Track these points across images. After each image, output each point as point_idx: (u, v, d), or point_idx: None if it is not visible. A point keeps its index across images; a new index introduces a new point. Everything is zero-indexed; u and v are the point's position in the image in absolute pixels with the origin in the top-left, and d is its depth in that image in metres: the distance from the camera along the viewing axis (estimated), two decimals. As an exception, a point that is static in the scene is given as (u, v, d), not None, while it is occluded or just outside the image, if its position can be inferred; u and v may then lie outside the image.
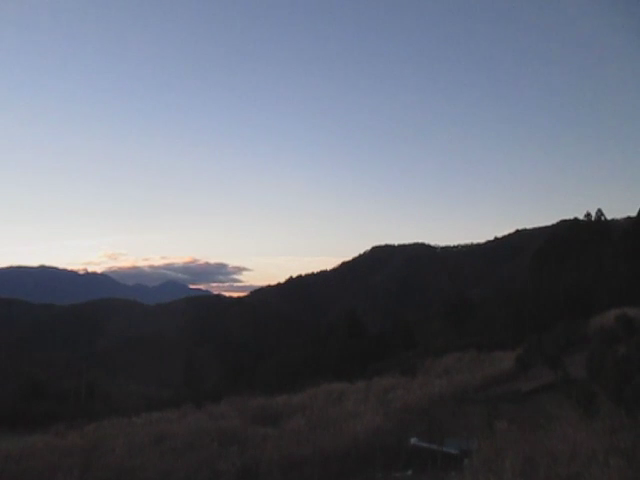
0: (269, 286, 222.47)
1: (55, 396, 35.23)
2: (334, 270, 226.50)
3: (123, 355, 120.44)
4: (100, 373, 68.67)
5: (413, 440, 9.58)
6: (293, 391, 18.72)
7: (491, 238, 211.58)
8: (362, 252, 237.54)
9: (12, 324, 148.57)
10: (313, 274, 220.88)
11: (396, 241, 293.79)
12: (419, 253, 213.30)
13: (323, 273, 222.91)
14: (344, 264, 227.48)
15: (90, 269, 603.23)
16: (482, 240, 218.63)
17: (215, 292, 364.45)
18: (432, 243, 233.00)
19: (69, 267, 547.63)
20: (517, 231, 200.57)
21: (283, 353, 55.21)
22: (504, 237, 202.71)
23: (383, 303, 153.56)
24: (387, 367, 27.52)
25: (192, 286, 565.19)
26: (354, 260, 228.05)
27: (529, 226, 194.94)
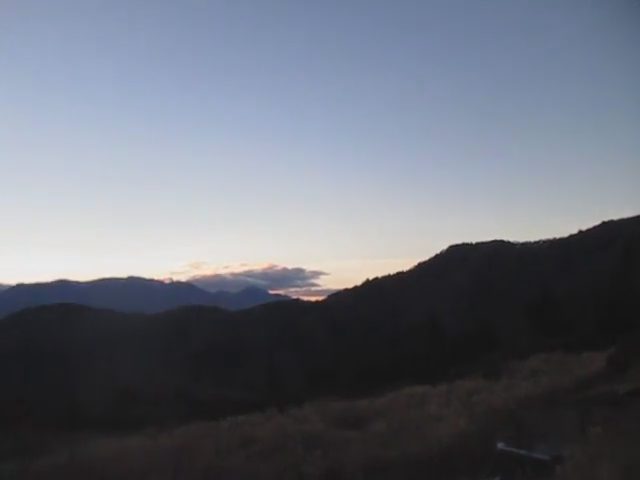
0: (346, 289, 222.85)
1: (146, 400, 37.03)
2: (411, 271, 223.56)
3: (209, 360, 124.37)
4: (187, 378, 71.45)
5: (500, 445, 9.23)
6: (374, 395, 18.61)
7: (575, 231, 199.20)
8: (438, 252, 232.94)
9: (105, 333, 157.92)
10: (389, 276, 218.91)
11: (473, 239, 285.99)
12: (498, 250, 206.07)
13: (400, 274, 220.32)
14: (421, 265, 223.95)
15: (175, 278, 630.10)
16: (565, 234, 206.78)
17: (294, 297, 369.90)
18: (511, 239, 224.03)
19: (156, 277, 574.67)
20: (603, 223, 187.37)
21: (362, 356, 55.07)
22: (589, 230, 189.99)
23: (462, 303, 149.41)
24: (469, 369, 26.75)
25: (271, 291, 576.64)
26: (431, 260, 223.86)
27: (616, 217, 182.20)
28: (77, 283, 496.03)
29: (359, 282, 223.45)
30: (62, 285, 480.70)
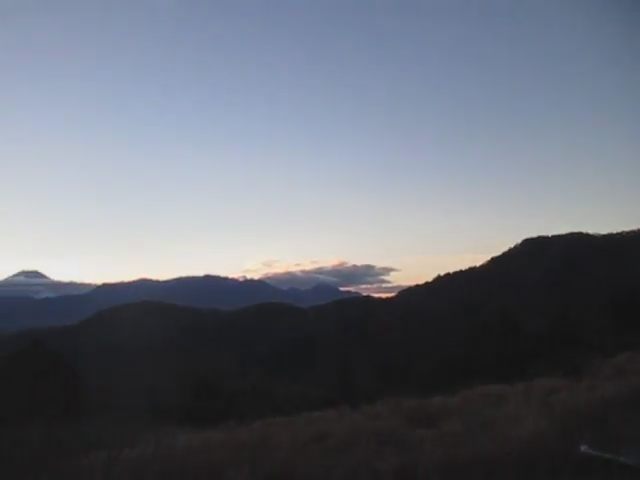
0: (417, 285, 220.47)
1: (224, 395, 38.21)
2: (483, 266, 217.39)
3: (282, 356, 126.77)
4: (262, 374, 73.08)
5: (584, 447, 8.80)
6: (447, 392, 18.31)
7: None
8: (512, 246, 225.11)
9: (184, 328, 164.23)
10: (461, 272, 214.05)
11: (550, 232, 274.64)
12: (577, 243, 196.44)
13: (472, 270, 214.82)
14: (494, 260, 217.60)
15: (248, 276, 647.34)
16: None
17: (364, 293, 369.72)
18: (591, 231, 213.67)
19: (230, 275, 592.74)
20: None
21: (435, 354, 54.24)
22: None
23: (539, 299, 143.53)
24: (547, 368, 25.75)
25: (342, 288, 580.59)
26: (504, 255, 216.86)
27: None
28: (157, 282, 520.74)
29: (430, 278, 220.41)
30: (143, 284, 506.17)
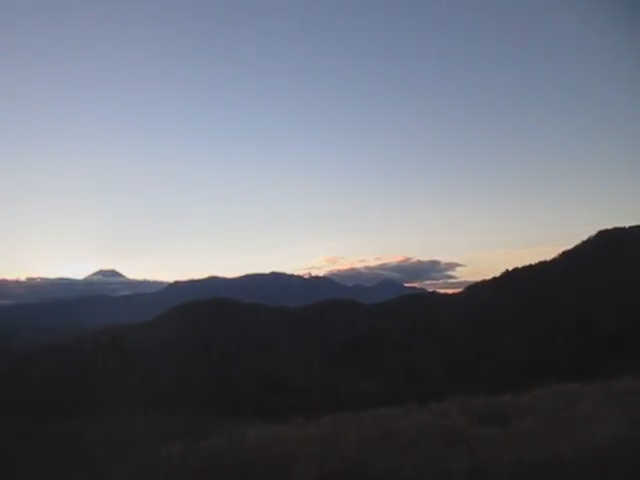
0: (484, 281, 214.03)
1: (292, 391, 38.80)
2: (554, 260, 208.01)
3: (348, 352, 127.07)
4: (329, 370, 73.70)
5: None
6: (518, 391, 17.78)
7: None
8: (586, 238, 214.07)
9: (252, 325, 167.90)
10: (531, 266, 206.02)
11: (627, 222, 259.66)
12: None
13: (542, 264, 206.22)
14: (565, 253, 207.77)
15: (313, 273, 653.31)
16: None
17: (430, 289, 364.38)
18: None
19: (296, 272, 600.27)
20: None
21: (503, 351, 52.72)
22: None
23: (615, 295, 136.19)
24: (626, 367, 24.47)
25: (407, 284, 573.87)
26: (577, 248, 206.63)
27: None
28: (225, 279, 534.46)
29: (498, 273, 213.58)
30: (213, 281, 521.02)
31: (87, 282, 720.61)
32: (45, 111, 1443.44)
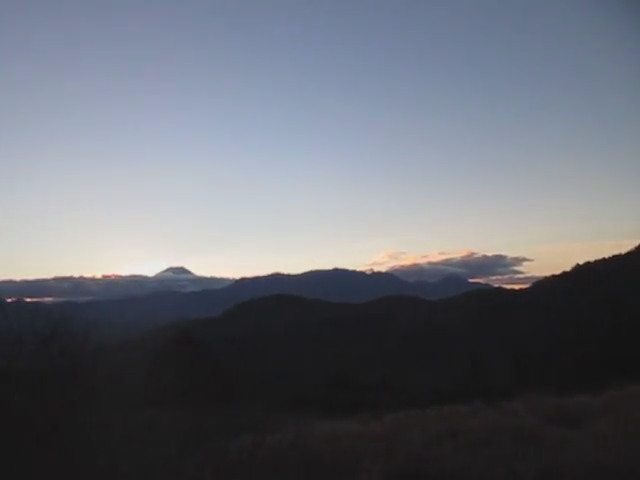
0: (553, 276, 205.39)
1: (355, 387, 38.92)
2: (630, 254, 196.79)
3: (412, 349, 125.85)
4: (392, 367, 73.31)
5: None
6: (590, 392, 17.08)
7: None
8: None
9: (315, 321, 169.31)
10: (604, 260, 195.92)
11: None
12: None
13: (617, 258, 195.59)
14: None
15: (375, 269, 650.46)
16: None
17: (495, 285, 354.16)
18: None
19: (358, 268, 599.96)
20: None
21: (575, 350, 50.58)
22: None
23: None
24: None
25: (471, 280, 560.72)
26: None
27: None
28: (289, 276, 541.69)
29: (568, 268, 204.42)
30: (277, 277, 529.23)
31: (158, 279, 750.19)
32: (128, 116, 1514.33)
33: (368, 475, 7.75)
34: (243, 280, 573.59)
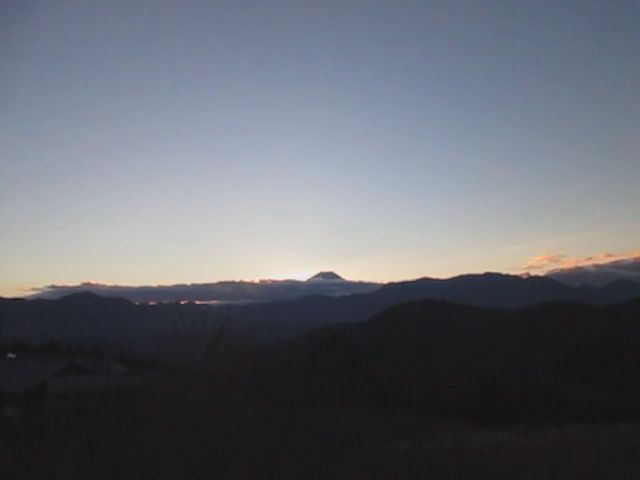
0: None
1: (509, 396, 36.93)
2: None
3: (574, 360, 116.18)
4: (551, 376, 68.19)
5: None
6: None
7: None
8: None
9: (465, 327, 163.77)
10: None
11: None
12: None
13: None
14: None
15: (532, 273, 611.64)
16: None
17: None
18: None
19: (512, 272, 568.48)
20: None
21: None
22: None
23: None
24: None
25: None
26: None
27: None
28: (438, 280, 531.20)
29: None
30: (425, 282, 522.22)
31: (309, 284, 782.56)
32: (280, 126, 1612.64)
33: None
34: (391, 284, 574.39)
